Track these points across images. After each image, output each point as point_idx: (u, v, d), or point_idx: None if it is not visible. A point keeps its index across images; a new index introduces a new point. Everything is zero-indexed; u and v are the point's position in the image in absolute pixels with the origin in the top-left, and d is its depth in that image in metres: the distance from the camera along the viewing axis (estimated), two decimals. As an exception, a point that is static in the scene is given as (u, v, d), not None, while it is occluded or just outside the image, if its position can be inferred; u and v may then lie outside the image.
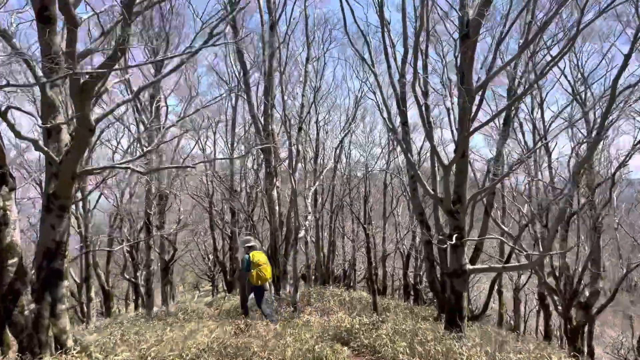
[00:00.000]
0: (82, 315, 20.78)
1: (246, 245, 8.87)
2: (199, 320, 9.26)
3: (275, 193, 12.47)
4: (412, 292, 25.02)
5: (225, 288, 22.84)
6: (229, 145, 17.35)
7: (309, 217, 13.19)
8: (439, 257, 12.24)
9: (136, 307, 26.73)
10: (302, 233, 12.29)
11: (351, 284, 33.00)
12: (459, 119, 8.32)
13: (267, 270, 8.54)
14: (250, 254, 8.54)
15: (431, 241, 12.37)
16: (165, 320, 9.67)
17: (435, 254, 12.91)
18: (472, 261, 11.60)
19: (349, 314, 10.24)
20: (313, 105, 18.36)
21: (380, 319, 8.27)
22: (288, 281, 12.45)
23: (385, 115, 9.58)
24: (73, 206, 19.33)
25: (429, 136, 8.21)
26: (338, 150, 19.70)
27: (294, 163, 11.24)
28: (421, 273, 26.89)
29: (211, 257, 25.13)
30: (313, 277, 23.95)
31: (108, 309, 21.25)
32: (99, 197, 18.53)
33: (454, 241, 7.88)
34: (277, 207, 12.52)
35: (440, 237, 8.00)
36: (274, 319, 8.44)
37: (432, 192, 8.81)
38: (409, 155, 9.87)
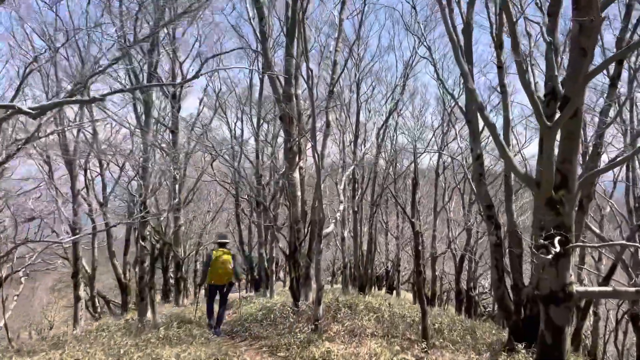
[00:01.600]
0: (94, 310, 19.11)
1: (217, 241, 8.63)
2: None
3: (297, 175, 9.77)
4: (464, 300, 21.84)
5: (252, 286, 20.49)
6: (254, 124, 14.80)
7: (341, 207, 10.43)
8: (511, 266, 9.16)
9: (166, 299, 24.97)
10: (330, 227, 9.58)
11: (393, 285, 30.04)
12: (572, 55, 5.28)
13: (223, 270, 8.09)
14: (214, 251, 8.24)
15: (501, 244, 9.29)
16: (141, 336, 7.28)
17: (506, 262, 9.83)
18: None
19: (388, 341, 7.41)
20: (354, 73, 15.54)
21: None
22: (311, 288, 9.75)
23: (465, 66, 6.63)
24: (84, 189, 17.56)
25: (524, 82, 5.16)
26: (382, 132, 16.73)
27: (318, 135, 8.47)
28: (475, 277, 23.56)
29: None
30: (351, 279, 21.16)
31: (125, 304, 19.37)
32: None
33: (557, 248, 4.87)
34: (299, 193, 9.83)
35: (539, 241, 4.99)
36: (217, 331, 8.06)
37: (522, 172, 5.82)
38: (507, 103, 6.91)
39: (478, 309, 24.25)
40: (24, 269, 21.77)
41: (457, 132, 15.94)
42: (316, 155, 7.93)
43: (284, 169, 9.97)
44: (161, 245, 19.75)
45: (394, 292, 28.49)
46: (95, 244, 18.23)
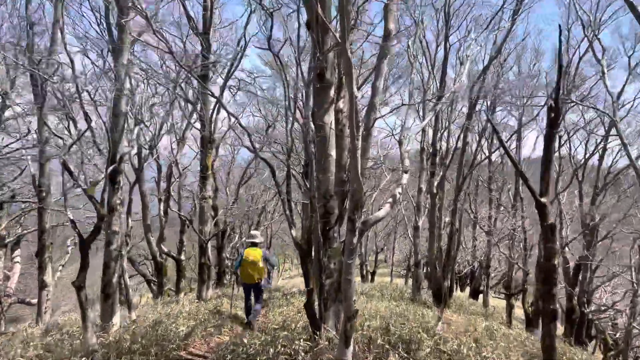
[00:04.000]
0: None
1: (248, 240, 8.76)
2: None
3: (331, 119, 5.91)
4: (577, 320, 16.69)
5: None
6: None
7: (403, 179, 6.43)
8: None
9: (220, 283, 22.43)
10: (383, 211, 5.68)
11: (479, 288, 25.12)
12: None
13: (253, 269, 8.10)
14: (246, 250, 8.31)
15: None
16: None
17: None
18: None
19: None
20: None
21: None
22: (337, 308, 5.89)
23: None
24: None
25: None
26: (478, 85, 12.04)
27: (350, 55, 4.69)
28: (589, 289, 18.13)
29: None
30: (426, 281, 16.90)
31: (160, 286, 16.87)
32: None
33: None
34: (333, 152, 5.96)
35: None
36: (250, 323, 8.20)
37: None
38: None
39: (590, 331, 18.83)
40: (72, 239, 20.26)
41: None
42: (349, 83, 4.01)
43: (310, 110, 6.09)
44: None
45: (480, 297, 23.79)
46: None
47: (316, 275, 5.78)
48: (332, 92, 5.99)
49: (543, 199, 4.95)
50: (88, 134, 6.43)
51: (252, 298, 8.50)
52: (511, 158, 6.74)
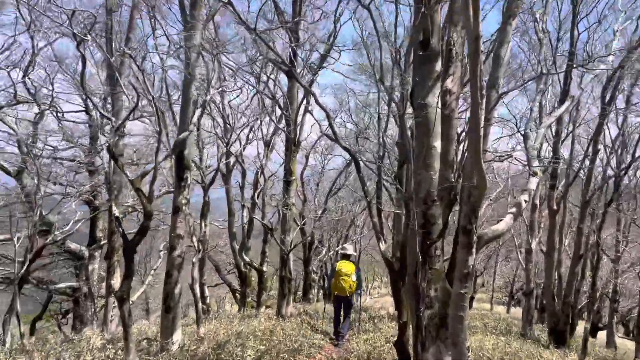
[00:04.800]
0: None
1: (341, 252, 9.07)
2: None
3: (433, 98, 4.52)
4: None
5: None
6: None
7: (532, 184, 4.84)
8: None
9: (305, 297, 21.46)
10: (503, 224, 4.22)
11: (598, 324, 21.56)
12: None
13: (345, 282, 8.22)
14: (339, 262, 8.50)
15: None
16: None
17: None
18: None
19: None
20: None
21: None
22: (461, 352, 4.38)
23: None
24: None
25: None
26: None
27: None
28: None
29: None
30: (538, 312, 14.46)
31: (243, 297, 16.28)
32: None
33: None
34: (437, 143, 4.54)
35: None
36: (339, 339, 8.21)
37: None
38: None
39: None
40: (165, 243, 20.55)
41: None
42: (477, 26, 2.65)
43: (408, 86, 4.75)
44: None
45: (598, 334, 20.45)
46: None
47: (411, 304, 4.38)
48: (438, 66, 4.60)
49: None
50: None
51: (342, 313, 8.55)
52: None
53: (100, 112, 5.20)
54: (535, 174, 5.06)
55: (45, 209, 7.81)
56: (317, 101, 6.47)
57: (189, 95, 6.00)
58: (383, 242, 5.44)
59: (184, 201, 6.06)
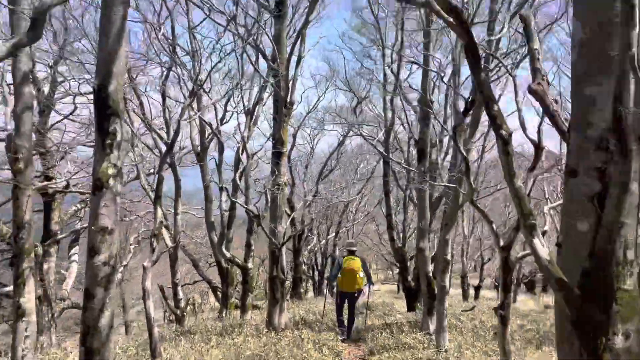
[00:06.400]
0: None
1: (347, 248, 8.79)
2: None
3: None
4: None
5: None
6: None
7: None
8: None
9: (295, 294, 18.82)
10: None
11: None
12: None
13: (353, 278, 8.05)
14: (344, 259, 8.20)
15: None
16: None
17: None
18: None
19: None
20: None
21: None
22: None
23: None
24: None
25: None
26: None
27: None
28: None
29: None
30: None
31: (225, 297, 13.73)
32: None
33: None
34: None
35: None
36: (343, 332, 8.10)
37: None
38: None
39: None
40: (135, 236, 17.88)
41: None
42: None
43: None
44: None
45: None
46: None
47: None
48: None
49: None
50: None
51: (348, 308, 8.42)
52: None
53: None
54: None
55: None
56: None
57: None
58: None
59: (111, 171, 3.54)
